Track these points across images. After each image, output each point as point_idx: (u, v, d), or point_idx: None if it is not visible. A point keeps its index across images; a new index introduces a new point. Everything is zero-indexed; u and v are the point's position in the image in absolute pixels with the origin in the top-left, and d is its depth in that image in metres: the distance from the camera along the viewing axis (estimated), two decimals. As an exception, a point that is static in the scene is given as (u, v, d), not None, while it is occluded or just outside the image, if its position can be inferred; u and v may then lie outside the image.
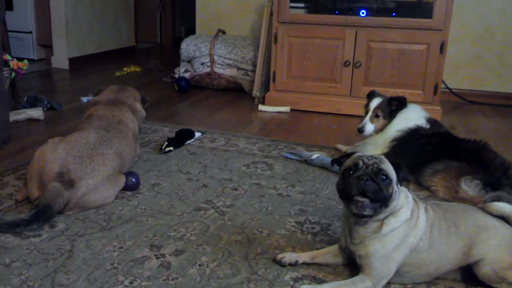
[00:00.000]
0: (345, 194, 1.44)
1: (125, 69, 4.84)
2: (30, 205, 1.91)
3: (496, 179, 2.07)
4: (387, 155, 2.27)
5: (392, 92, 3.37)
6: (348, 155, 1.53)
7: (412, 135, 2.37)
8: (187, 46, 4.21)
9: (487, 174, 2.09)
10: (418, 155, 2.31)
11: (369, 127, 2.45)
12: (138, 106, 2.51)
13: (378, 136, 2.46)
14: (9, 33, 3.87)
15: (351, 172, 1.43)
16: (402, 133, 2.40)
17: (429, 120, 2.44)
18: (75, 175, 1.83)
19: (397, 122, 2.43)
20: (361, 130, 2.46)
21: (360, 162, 1.43)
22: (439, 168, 2.22)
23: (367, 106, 2.50)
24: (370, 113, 2.45)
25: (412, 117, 2.43)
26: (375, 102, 2.46)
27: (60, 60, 4.97)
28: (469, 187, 2.08)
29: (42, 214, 1.74)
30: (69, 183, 1.81)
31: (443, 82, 3.81)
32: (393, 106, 2.43)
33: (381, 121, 2.44)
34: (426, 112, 2.50)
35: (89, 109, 2.34)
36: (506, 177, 2.09)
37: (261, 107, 3.59)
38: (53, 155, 1.87)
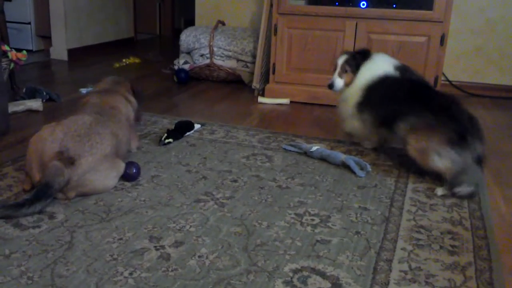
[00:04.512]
0: None
1: (124, 60, 4.82)
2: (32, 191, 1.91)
3: (465, 130, 2.13)
4: (359, 104, 2.52)
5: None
6: None
7: (382, 83, 2.46)
8: (187, 38, 4.20)
9: (456, 126, 2.14)
10: (390, 103, 2.39)
11: (338, 82, 2.59)
12: (131, 97, 2.50)
13: (348, 89, 2.58)
14: (8, 24, 3.85)
15: None
16: (371, 82, 2.49)
17: (398, 68, 2.50)
18: (74, 152, 1.85)
19: (363, 73, 2.53)
20: (330, 86, 2.61)
21: None
22: (411, 121, 2.26)
23: (335, 64, 2.63)
24: (338, 69, 2.59)
25: (379, 66, 2.52)
26: (342, 58, 2.60)
27: (59, 51, 4.95)
28: (439, 157, 2.11)
29: (42, 192, 1.75)
30: (69, 161, 1.83)
31: (443, 74, 3.80)
32: (358, 60, 2.56)
33: (349, 75, 2.57)
34: (394, 60, 2.58)
35: (83, 98, 2.37)
36: (475, 129, 2.17)
37: (260, 99, 3.58)
38: (51, 136, 1.89)
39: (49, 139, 1.88)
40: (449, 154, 2.10)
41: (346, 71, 2.58)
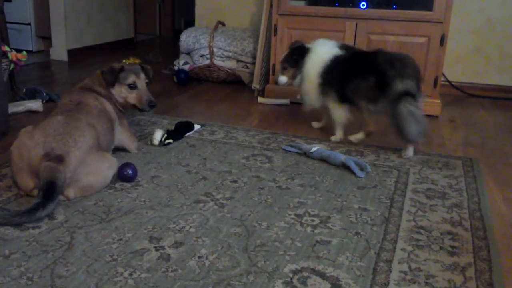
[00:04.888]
0: None
1: (124, 61, 4.81)
2: (28, 196, 1.92)
3: (383, 76, 2.47)
4: (319, 85, 2.73)
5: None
6: None
7: (334, 64, 2.69)
8: (187, 38, 4.20)
9: (376, 76, 2.50)
10: (343, 79, 2.64)
11: (281, 79, 2.85)
12: (102, 90, 2.37)
13: (305, 84, 2.79)
14: (8, 25, 3.85)
15: None
16: (322, 68, 2.70)
17: (342, 47, 2.76)
18: (60, 150, 1.86)
19: (309, 65, 2.75)
20: (276, 82, 2.96)
21: None
22: (356, 85, 2.59)
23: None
24: (280, 67, 2.87)
25: (324, 51, 2.74)
26: (282, 56, 2.87)
27: (59, 51, 4.95)
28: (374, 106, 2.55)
29: (50, 191, 1.74)
30: (59, 159, 1.83)
31: (443, 75, 3.80)
32: (296, 56, 2.78)
33: (290, 70, 2.82)
34: (335, 41, 2.82)
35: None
36: (395, 70, 2.44)
37: (260, 100, 3.58)
38: (32, 141, 1.89)
39: (31, 145, 1.88)
40: (370, 104, 2.55)
41: (285, 68, 2.82)
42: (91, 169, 1.95)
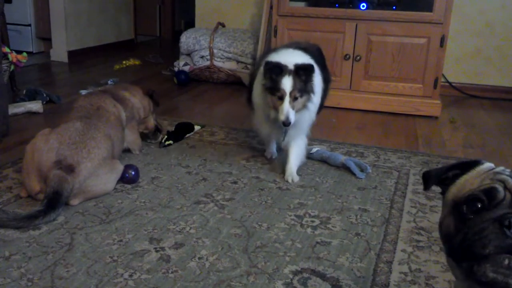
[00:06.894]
0: (464, 250, 0.78)
1: (124, 62, 4.82)
2: (30, 198, 1.92)
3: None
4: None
5: (392, 86, 3.38)
6: (464, 164, 0.85)
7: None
8: (187, 39, 4.20)
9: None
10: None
11: (293, 115, 2.05)
12: (126, 94, 2.40)
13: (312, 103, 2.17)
14: (8, 26, 3.86)
15: (480, 207, 0.78)
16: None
17: (299, 47, 2.35)
18: (72, 160, 1.84)
19: (316, 80, 2.17)
20: (287, 123, 2.03)
21: (500, 187, 0.78)
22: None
23: (274, 88, 2.04)
24: (287, 98, 2.02)
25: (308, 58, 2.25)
26: (288, 83, 2.02)
27: (59, 53, 4.95)
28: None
29: (54, 201, 1.74)
30: (69, 169, 1.82)
31: (443, 76, 3.80)
32: (303, 76, 2.06)
33: (302, 100, 2.08)
34: (292, 47, 2.36)
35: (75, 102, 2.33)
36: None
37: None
38: (47, 145, 1.88)
39: (45, 149, 1.87)
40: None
41: (296, 98, 2.05)
42: (100, 181, 1.93)
